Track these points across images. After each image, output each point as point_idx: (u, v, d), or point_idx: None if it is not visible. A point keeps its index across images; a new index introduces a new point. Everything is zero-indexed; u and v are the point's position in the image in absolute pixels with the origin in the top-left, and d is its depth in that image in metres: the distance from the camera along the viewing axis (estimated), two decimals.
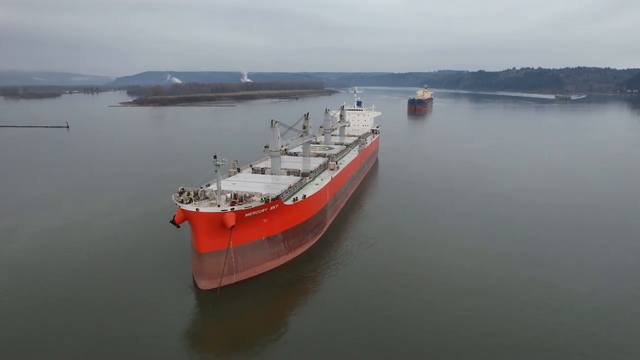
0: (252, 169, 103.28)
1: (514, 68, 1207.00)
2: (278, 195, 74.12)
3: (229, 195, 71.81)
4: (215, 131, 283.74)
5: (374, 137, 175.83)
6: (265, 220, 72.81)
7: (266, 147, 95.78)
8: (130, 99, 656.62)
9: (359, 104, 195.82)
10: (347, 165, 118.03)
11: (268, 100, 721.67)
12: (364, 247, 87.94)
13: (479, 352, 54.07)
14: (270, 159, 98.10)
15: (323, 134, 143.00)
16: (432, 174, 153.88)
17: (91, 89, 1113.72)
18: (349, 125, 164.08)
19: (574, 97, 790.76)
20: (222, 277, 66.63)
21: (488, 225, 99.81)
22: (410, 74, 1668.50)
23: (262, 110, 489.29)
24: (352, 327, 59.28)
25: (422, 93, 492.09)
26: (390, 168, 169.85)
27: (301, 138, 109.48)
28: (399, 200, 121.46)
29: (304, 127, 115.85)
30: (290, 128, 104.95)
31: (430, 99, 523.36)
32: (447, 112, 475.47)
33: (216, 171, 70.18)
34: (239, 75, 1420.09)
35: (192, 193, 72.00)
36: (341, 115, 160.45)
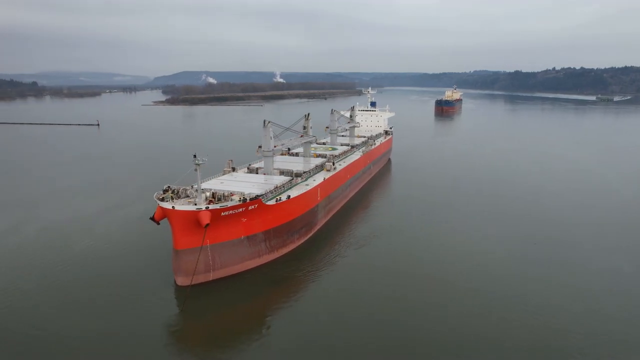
0: (248, 168, 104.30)
1: (554, 68, 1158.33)
2: (257, 195, 74.58)
3: (208, 194, 72.96)
4: (236, 129, 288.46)
5: (385, 138, 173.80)
6: (244, 220, 73.39)
7: (260, 147, 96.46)
8: (163, 98, 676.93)
9: (372, 104, 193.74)
10: (347, 166, 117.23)
11: (297, 100, 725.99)
12: (353, 248, 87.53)
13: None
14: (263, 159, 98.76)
15: (329, 135, 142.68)
16: (444, 176, 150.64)
17: (129, 88, 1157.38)
18: (359, 126, 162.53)
19: (616, 98, 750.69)
20: (193, 275, 67.64)
21: (496, 227, 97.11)
22: (444, 74, 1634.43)
23: (288, 110, 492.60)
24: (330, 328, 59.53)
25: (450, 94, 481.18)
26: (402, 169, 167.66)
27: (299, 138, 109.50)
28: (403, 202, 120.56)
29: (304, 128, 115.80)
30: (288, 128, 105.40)
31: (459, 100, 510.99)
32: (476, 113, 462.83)
33: (196, 170, 71.24)
34: (272, 75, 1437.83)
35: (176, 191, 73.73)
36: (351, 116, 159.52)
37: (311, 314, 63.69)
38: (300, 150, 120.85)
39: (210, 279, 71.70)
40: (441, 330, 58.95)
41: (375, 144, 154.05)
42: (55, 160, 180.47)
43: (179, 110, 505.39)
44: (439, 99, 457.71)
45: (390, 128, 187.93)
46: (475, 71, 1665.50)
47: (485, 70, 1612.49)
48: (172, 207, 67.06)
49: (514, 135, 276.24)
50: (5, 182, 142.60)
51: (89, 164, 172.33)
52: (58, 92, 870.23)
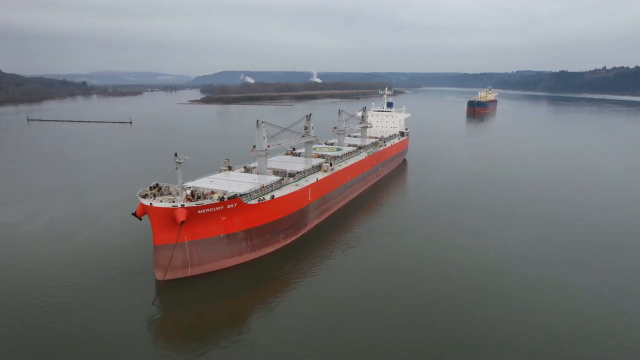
0: (245, 168, 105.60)
1: (604, 67, 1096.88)
2: (236, 194, 75.48)
3: (188, 192, 74.58)
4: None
5: (399, 139, 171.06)
6: (223, 218, 74.51)
7: (254, 147, 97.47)
8: (199, 97, 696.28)
9: (389, 105, 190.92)
10: (348, 167, 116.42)
11: (329, 100, 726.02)
12: (342, 249, 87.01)
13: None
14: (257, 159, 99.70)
15: (337, 135, 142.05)
16: (459, 178, 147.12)
17: (170, 88, 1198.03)
18: (370, 127, 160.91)
19: None
20: (166, 270, 69.38)
21: (505, 229, 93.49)
22: (484, 74, 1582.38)
23: (318, 109, 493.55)
24: (306, 328, 59.90)
25: (484, 94, 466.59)
26: (418, 171, 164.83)
27: (296, 139, 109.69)
28: (409, 204, 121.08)
29: (305, 128, 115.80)
30: (286, 129, 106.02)
31: (494, 101, 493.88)
32: (510, 115, 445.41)
33: (177, 168, 73.08)
34: (309, 75, 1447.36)
35: (161, 188, 75.89)
36: (362, 117, 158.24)
37: (288, 313, 64.08)
38: (303, 150, 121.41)
39: (189, 275, 73.29)
40: (424, 333, 58.36)
41: (385, 145, 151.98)
42: (81, 156, 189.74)
43: (212, 109, 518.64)
44: (471, 100, 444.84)
45: (406, 129, 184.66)
46: (517, 71, 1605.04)
47: (528, 71, 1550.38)
48: (150, 203, 69.15)
49: (548, 138, 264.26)
50: (31, 177, 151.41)
51: (111, 159, 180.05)
52: (104, 92, 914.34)
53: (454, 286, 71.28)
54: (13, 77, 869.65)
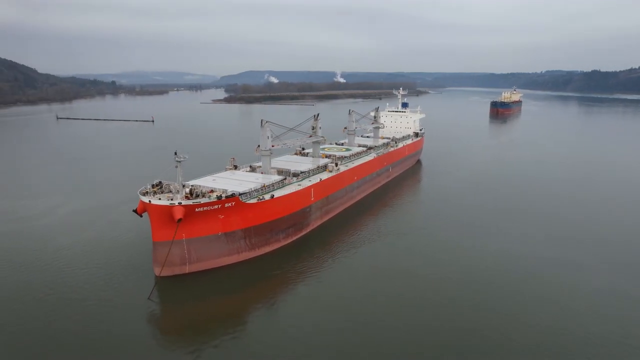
0: (250, 167, 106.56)
1: None
2: (234, 193, 76.39)
3: (188, 190, 75.93)
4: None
5: (413, 140, 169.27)
6: (221, 217, 75.53)
7: (258, 146, 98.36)
8: (221, 97, 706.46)
9: (404, 105, 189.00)
10: (355, 167, 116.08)
11: (351, 100, 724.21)
12: (343, 251, 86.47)
13: None
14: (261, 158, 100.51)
15: (347, 135, 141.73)
16: (471, 181, 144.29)
17: (195, 87, 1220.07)
18: (382, 127, 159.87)
19: None
20: (163, 267, 70.85)
21: (510, 231, 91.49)
22: (512, 74, 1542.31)
23: (338, 109, 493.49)
24: (304, 328, 60.13)
25: (509, 95, 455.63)
26: (431, 172, 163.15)
27: (302, 139, 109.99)
28: (418, 204, 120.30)
29: (313, 128, 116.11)
30: (292, 129, 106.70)
31: (518, 102, 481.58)
32: (535, 116, 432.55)
33: (176, 167, 74.61)
34: (333, 74, 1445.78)
35: (164, 186, 77.54)
36: (375, 117, 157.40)
37: (285, 312, 64.71)
38: (311, 150, 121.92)
39: (187, 272, 74.62)
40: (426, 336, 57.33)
41: (397, 145, 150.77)
42: (102, 153, 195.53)
43: (234, 108, 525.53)
44: (494, 101, 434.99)
45: (421, 130, 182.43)
46: (547, 71, 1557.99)
47: (558, 70, 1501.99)
48: (149, 201, 70.80)
49: (572, 141, 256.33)
50: (49, 173, 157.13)
51: (130, 156, 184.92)
52: (131, 91, 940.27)
53: (456, 291, 70.15)
54: (47, 77, 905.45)
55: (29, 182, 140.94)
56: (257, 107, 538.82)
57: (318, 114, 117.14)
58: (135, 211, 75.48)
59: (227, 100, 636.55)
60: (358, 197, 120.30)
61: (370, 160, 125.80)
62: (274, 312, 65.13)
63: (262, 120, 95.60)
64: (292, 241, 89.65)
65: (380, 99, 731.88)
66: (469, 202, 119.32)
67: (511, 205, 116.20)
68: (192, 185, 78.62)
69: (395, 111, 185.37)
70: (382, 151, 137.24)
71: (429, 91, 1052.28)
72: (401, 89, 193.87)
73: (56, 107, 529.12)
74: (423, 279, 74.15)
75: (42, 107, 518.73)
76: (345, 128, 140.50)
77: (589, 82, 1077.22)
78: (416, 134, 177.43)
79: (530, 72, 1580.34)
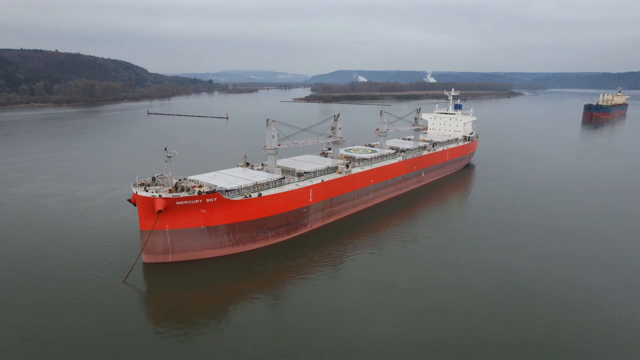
0: (262, 165, 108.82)
1: None
2: (214, 189, 79.07)
3: (175, 183, 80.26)
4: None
5: (458, 143, 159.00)
6: (204, 211, 78.69)
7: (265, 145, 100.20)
8: (303, 96, 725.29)
9: (457, 107, 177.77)
10: (371, 170, 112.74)
11: (434, 101, 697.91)
12: (335, 257, 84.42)
13: None
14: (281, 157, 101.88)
15: (379, 137, 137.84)
16: (522, 191, 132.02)
17: (284, 86, 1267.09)
18: (423, 129, 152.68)
19: None
20: (140, 255, 75.81)
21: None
22: (629, 74, 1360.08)
23: (402, 110, 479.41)
24: (272, 329, 61.04)
25: (610, 97, 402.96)
26: (477, 179, 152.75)
27: (314, 139, 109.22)
28: (438, 217, 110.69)
29: (332, 128, 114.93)
30: (306, 129, 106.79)
31: (621, 105, 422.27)
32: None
33: (166, 162, 79.50)
34: (424, 74, 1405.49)
35: (158, 179, 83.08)
36: (416, 119, 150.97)
37: (258, 310, 65.90)
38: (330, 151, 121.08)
39: (170, 261, 79.13)
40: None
41: (434, 149, 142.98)
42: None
43: (312, 106, 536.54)
44: (588, 104, 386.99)
45: (471, 133, 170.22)
46: None
47: None
48: (136, 192, 76.42)
49: None
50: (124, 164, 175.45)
51: (195, 148, 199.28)
52: (224, 89, 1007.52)
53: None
54: (156, 76, 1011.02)
55: (99, 168, 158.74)
56: (334, 106, 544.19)
57: (338, 114, 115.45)
58: (129, 201, 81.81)
59: (307, 99, 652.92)
60: (375, 201, 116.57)
61: (393, 164, 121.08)
62: (243, 309, 66.09)
63: (267, 120, 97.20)
64: (284, 240, 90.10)
65: (464, 100, 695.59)
66: (509, 216, 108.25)
67: (540, 219, 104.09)
68: (177, 180, 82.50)
69: (445, 113, 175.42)
70: (411, 154, 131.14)
71: (524, 93, 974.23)
72: (453, 89, 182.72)
73: (156, 103, 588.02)
74: (406, 294, 69.76)
75: (144, 103, 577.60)
76: (377, 130, 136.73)
77: None
78: (465, 138, 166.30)
79: None
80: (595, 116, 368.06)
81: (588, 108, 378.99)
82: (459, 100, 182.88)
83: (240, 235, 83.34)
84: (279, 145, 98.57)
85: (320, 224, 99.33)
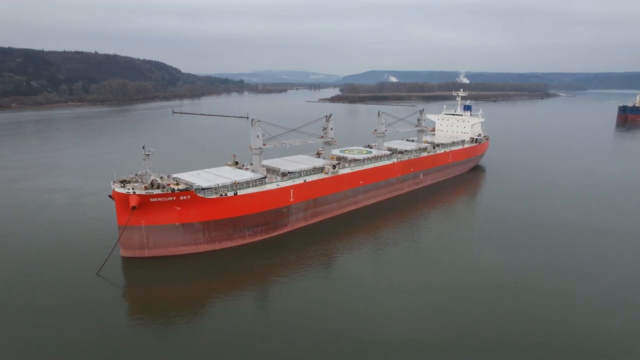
0: (251, 164, 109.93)
1: None
2: (188, 187, 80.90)
3: (150, 181, 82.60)
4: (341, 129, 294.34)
5: (464, 145, 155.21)
6: (178, 208, 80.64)
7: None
8: (329, 96, 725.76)
9: (466, 108, 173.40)
10: (360, 171, 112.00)
11: (463, 102, 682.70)
12: (314, 257, 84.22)
13: None
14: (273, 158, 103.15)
15: (377, 138, 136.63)
16: (531, 194, 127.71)
17: (314, 86, 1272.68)
18: (427, 130, 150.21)
19: None
20: (112, 249, 78.28)
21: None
22: None
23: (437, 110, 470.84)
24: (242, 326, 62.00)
25: None
26: (485, 181, 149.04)
27: (303, 139, 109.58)
28: (432, 219, 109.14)
29: (324, 129, 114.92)
30: (294, 129, 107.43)
31: None
32: None
33: (144, 160, 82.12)
34: (456, 74, 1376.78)
35: (138, 177, 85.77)
36: (419, 120, 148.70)
37: (229, 306, 67.25)
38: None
39: (146, 256, 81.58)
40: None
41: (434, 151, 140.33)
42: (186, 143, 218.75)
43: (337, 107, 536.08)
44: (623, 105, 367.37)
45: (479, 135, 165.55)
46: None
47: None
48: (114, 189, 79.33)
49: None
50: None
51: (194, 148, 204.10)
52: (254, 89, 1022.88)
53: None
54: (188, 76, 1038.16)
55: (112, 165, 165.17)
56: (359, 107, 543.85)
57: (330, 115, 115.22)
58: (110, 196, 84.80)
59: (332, 99, 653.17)
60: (365, 203, 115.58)
61: (386, 165, 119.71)
62: (213, 306, 67.67)
63: (252, 120, 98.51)
64: (262, 239, 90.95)
65: (494, 101, 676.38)
66: (503, 215, 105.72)
67: (538, 223, 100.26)
68: (155, 177, 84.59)
69: (452, 114, 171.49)
70: (408, 156, 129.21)
71: (560, 94, 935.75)
72: (461, 90, 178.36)
73: (186, 103, 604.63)
74: (374, 296, 69.08)
75: (174, 103, 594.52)
76: (375, 130, 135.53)
77: None
78: (473, 140, 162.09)
79: None
80: (630, 118, 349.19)
81: (623, 110, 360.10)
82: (468, 101, 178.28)
83: (216, 233, 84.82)
84: (264, 145, 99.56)
85: (302, 224, 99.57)
